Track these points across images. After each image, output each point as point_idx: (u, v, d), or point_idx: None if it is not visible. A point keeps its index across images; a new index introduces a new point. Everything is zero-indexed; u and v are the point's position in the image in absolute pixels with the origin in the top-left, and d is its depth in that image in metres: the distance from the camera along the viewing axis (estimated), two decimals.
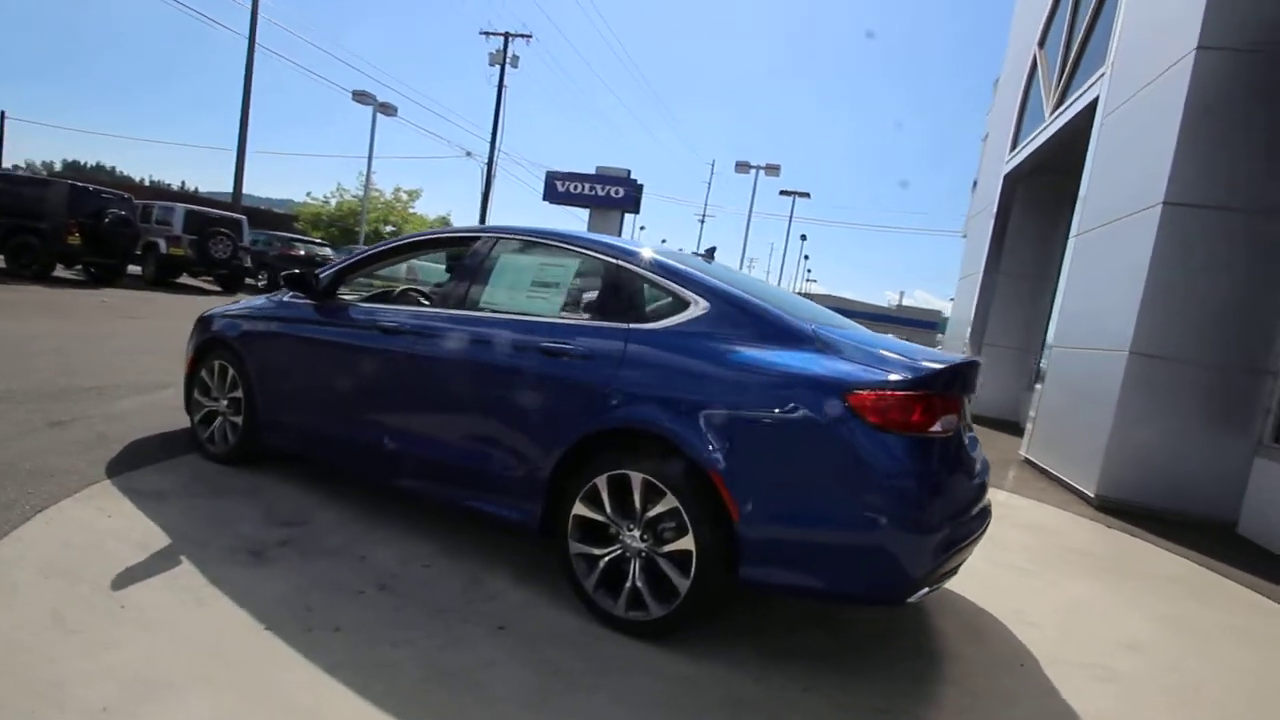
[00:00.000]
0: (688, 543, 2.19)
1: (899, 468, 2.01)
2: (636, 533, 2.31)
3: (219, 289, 14.35)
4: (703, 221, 55.93)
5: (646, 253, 2.62)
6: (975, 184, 16.33)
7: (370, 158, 27.63)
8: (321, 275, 3.29)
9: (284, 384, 3.31)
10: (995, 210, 10.42)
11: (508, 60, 28.45)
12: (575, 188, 42.03)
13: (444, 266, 10.29)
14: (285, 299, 3.40)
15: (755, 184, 31.24)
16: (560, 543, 2.46)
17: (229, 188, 20.47)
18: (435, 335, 2.80)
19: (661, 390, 2.29)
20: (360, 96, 26.24)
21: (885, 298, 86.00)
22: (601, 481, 2.35)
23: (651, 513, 2.26)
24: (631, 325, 2.45)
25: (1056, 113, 8.15)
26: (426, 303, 3.97)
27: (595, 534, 2.41)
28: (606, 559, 2.36)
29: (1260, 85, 4.76)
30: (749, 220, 32.04)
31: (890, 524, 2.01)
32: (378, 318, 3.02)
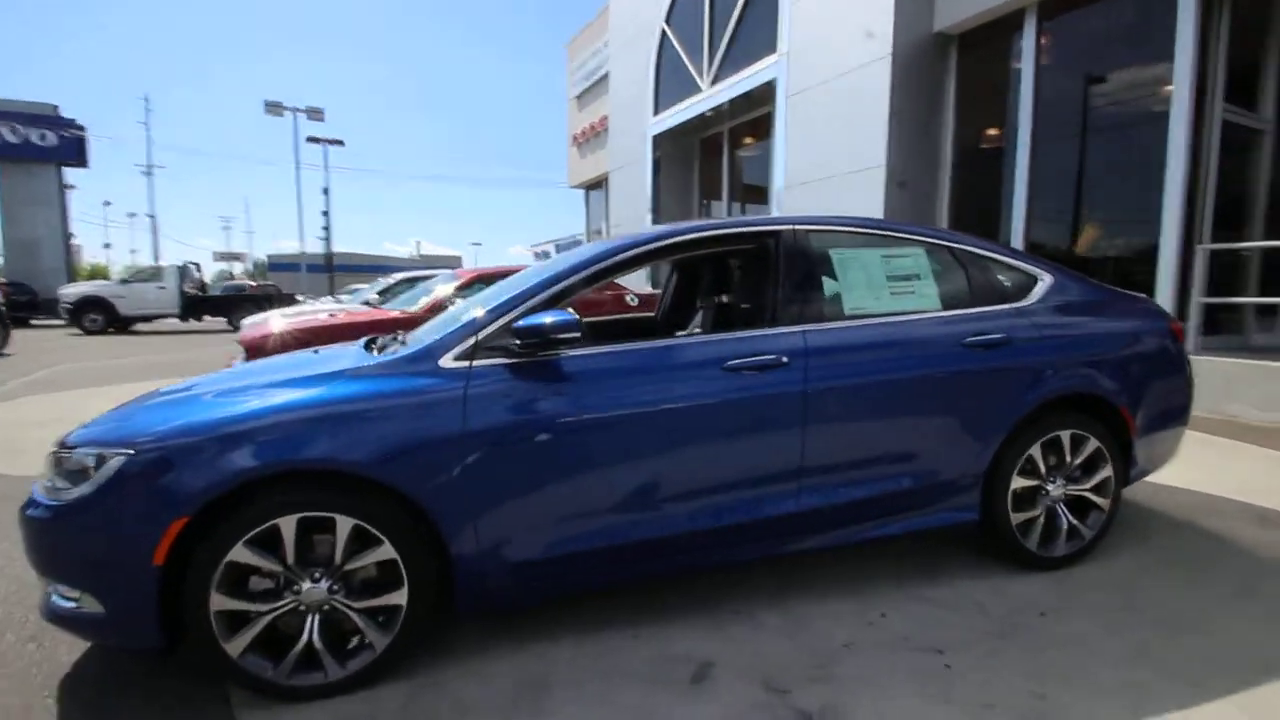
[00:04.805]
0: (1106, 471, 2.70)
1: (1189, 370, 2.96)
2: (1061, 482, 2.67)
3: None
4: (149, 174, 42.20)
5: (980, 237, 2.79)
6: (575, 138, 18.06)
7: None
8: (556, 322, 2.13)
9: (548, 501, 2.10)
10: (650, 164, 12.13)
11: None
12: None
13: None
14: (459, 369, 2.05)
15: (296, 129, 26.63)
16: (999, 519, 2.59)
17: None
18: (838, 354, 2.36)
19: (1076, 355, 2.66)
20: None
21: (410, 248, 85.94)
22: (1035, 450, 2.60)
23: (1078, 459, 2.66)
24: (1019, 304, 2.66)
25: (717, 86, 10.00)
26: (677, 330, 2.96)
27: (1024, 500, 2.64)
28: (1042, 517, 2.66)
29: (913, 83, 7.17)
30: (298, 170, 26.94)
31: (1188, 406, 2.97)
32: (712, 353, 2.27)
